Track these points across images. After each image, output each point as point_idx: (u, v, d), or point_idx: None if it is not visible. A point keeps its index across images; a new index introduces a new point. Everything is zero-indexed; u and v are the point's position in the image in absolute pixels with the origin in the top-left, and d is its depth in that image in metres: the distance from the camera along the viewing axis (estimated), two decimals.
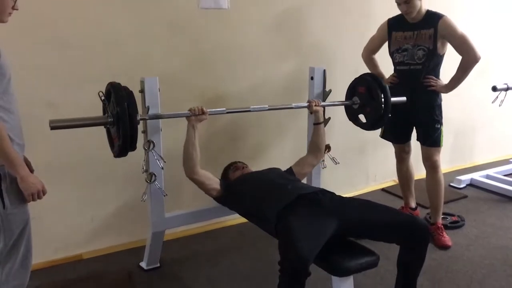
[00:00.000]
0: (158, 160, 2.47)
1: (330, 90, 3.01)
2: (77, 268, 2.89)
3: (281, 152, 3.62)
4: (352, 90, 3.03)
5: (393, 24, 3.17)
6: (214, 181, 2.61)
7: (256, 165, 2.94)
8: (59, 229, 2.92)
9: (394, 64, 3.21)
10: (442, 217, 3.34)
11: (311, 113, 2.88)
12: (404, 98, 3.03)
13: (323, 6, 3.63)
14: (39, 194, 1.91)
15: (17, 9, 1.88)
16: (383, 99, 2.81)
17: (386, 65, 3.29)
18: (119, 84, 2.19)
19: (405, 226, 2.12)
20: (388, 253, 2.40)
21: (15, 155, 1.80)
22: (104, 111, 2.24)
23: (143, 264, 2.88)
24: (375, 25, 3.29)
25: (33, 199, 1.90)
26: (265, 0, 3.35)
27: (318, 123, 2.85)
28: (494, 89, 3.56)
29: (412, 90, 3.09)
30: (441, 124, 3.14)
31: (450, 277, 2.76)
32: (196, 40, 3.13)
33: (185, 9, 3.05)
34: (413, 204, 3.60)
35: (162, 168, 2.51)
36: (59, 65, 2.72)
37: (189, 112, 2.44)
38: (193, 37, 3.11)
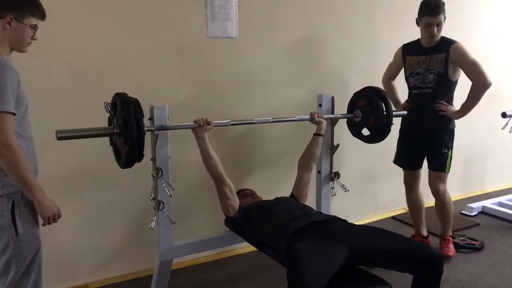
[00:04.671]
0: (167, 188, 2.45)
1: (338, 145, 3.02)
2: None
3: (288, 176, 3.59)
4: (353, 104, 3.03)
5: (407, 49, 3.22)
6: (235, 200, 2.59)
7: (264, 189, 2.93)
8: (66, 258, 2.90)
9: (409, 88, 3.25)
10: (462, 239, 3.41)
11: (314, 123, 2.85)
12: (405, 112, 3.09)
13: (330, 33, 3.66)
14: (55, 217, 1.94)
15: (36, 39, 1.95)
16: (384, 108, 2.80)
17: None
18: (125, 93, 2.20)
19: (418, 255, 2.08)
20: (401, 282, 2.34)
21: (33, 179, 1.85)
22: (111, 122, 2.25)
23: None
24: (383, 52, 3.33)
25: (49, 223, 1.93)
26: (272, 29, 3.38)
27: (319, 134, 2.83)
28: (504, 115, 3.53)
29: (424, 113, 3.13)
30: (448, 148, 3.14)
31: None
32: (205, 67, 3.15)
33: (194, 37, 3.08)
34: (424, 233, 3.54)
35: (171, 196, 2.49)
36: (68, 92, 2.74)
37: (194, 123, 2.45)
38: (202, 64, 3.14)
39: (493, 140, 4.85)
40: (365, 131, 3.00)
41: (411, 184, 3.43)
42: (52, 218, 1.94)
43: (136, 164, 2.79)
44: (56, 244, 2.75)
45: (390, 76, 3.42)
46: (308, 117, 2.82)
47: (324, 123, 2.84)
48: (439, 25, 2.98)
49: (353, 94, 3.04)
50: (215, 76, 3.20)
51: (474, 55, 2.99)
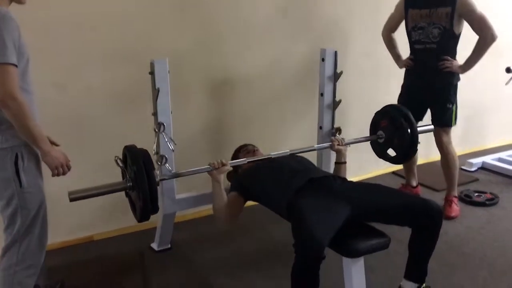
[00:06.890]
0: (169, 143, 2.46)
1: (342, 72, 2.97)
2: (88, 250, 2.93)
3: (293, 133, 3.61)
4: (376, 125, 2.96)
5: (409, 1, 3.12)
6: (236, 202, 2.49)
7: (268, 149, 2.93)
8: (71, 210, 2.92)
9: (411, 43, 3.18)
10: (476, 195, 3.51)
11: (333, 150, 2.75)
12: (431, 126, 3.08)
13: None
14: (63, 167, 1.95)
15: None
16: (408, 126, 2.73)
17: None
18: (133, 145, 2.17)
19: (418, 209, 2.10)
20: (400, 236, 2.38)
21: (38, 131, 1.84)
22: (123, 177, 2.21)
23: (154, 246, 2.91)
24: (387, 5, 3.24)
25: (58, 173, 1.94)
26: None
27: (340, 162, 2.71)
28: (508, 70, 3.51)
29: (428, 70, 3.09)
30: (452, 103, 3.13)
31: (461, 260, 2.76)
32: (205, 20, 3.09)
33: None
34: (414, 183, 3.65)
35: (173, 151, 2.50)
36: (66, 45, 2.69)
37: (209, 166, 2.38)
38: (202, 17, 3.08)
39: (495, 96, 4.81)
40: (391, 151, 2.93)
41: None
42: (62, 169, 1.94)
43: (139, 118, 2.81)
44: (60, 197, 2.78)
45: (390, 28, 3.33)
46: (327, 145, 2.73)
47: (344, 150, 2.71)
48: None
49: (374, 114, 2.96)
50: (215, 28, 3.15)
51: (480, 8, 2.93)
